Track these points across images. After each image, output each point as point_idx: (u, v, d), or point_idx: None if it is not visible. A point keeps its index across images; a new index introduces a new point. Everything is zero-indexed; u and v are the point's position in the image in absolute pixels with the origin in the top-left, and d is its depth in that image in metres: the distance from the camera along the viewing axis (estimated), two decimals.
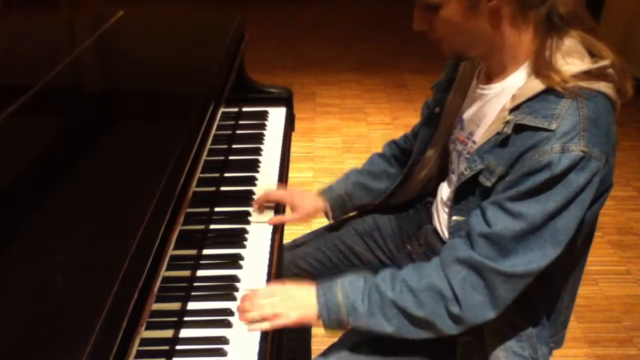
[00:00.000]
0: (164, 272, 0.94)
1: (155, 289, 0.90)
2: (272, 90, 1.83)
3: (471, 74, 1.24)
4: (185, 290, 1.11)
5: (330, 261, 1.46)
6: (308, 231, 1.55)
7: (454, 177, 1.25)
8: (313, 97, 3.86)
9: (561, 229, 1.01)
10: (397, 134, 1.53)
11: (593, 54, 1.04)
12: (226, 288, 1.13)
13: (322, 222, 1.50)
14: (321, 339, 1.62)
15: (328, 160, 3.11)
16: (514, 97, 1.05)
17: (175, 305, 1.06)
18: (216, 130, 1.35)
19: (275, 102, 1.81)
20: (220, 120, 1.40)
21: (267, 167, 1.53)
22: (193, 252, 1.20)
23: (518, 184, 1.01)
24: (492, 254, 1.03)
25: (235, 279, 1.15)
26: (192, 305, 1.09)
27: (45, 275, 0.83)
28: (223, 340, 1.02)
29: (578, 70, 1.00)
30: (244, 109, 1.78)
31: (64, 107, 1.33)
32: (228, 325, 1.05)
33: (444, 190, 1.30)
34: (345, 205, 1.45)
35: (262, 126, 1.70)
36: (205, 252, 1.22)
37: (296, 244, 1.50)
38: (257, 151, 1.58)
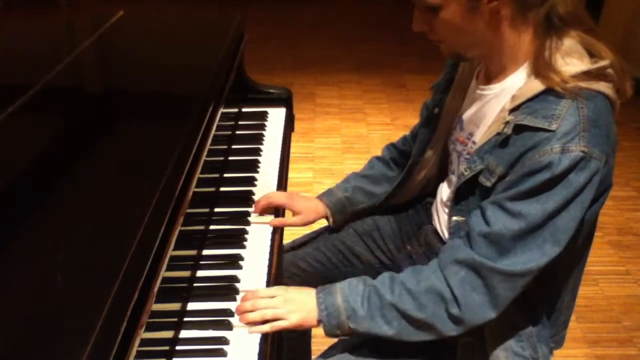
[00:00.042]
0: (164, 273, 0.94)
1: (155, 289, 0.90)
2: (271, 90, 1.83)
3: (470, 75, 1.24)
4: (185, 290, 1.11)
5: (330, 262, 1.46)
6: (308, 232, 1.55)
7: (453, 178, 1.25)
8: (313, 97, 3.86)
9: (561, 229, 1.01)
10: (397, 134, 1.53)
11: (592, 54, 1.04)
12: (226, 288, 1.13)
13: (322, 222, 1.50)
14: (321, 340, 1.61)
15: (328, 161, 3.11)
16: (513, 97, 1.05)
17: (175, 306, 1.06)
18: (216, 130, 1.35)
19: (274, 102, 1.81)
20: (220, 121, 1.40)
21: (267, 167, 1.53)
22: (193, 252, 1.20)
23: (518, 184, 1.01)
24: (492, 254, 1.03)
25: (235, 279, 1.15)
26: (192, 306, 1.09)
27: (45, 275, 0.83)
28: (223, 341, 1.02)
29: (578, 71, 1.01)
30: (244, 110, 1.78)
31: (64, 107, 1.33)
32: (228, 325, 1.05)
33: (444, 191, 1.30)
34: (346, 209, 1.45)
35: (262, 127, 1.70)
36: (205, 252, 1.22)
37: (296, 245, 1.50)
38: (257, 152, 1.58)
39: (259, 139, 1.64)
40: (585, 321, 2.17)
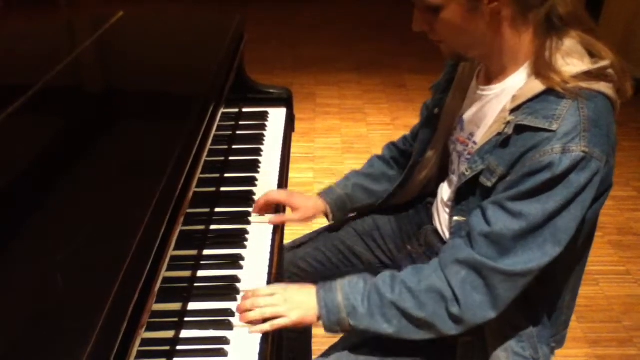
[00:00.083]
0: (164, 273, 0.94)
1: (156, 289, 0.90)
2: (272, 90, 1.83)
3: (471, 75, 1.24)
4: (185, 290, 1.11)
5: (330, 262, 1.46)
6: (308, 231, 1.55)
7: (454, 178, 1.25)
8: (313, 97, 3.86)
9: (562, 229, 1.01)
10: (397, 134, 1.53)
11: (593, 55, 1.04)
12: (227, 288, 1.13)
13: (322, 222, 1.50)
14: (321, 340, 1.62)
15: (328, 161, 3.10)
16: (514, 97, 1.05)
17: (175, 306, 1.06)
18: (216, 130, 1.35)
19: (275, 102, 1.81)
20: (220, 121, 1.40)
21: (267, 167, 1.53)
22: (193, 252, 1.20)
23: (519, 184, 1.01)
24: (492, 253, 1.03)
25: (235, 279, 1.15)
26: (192, 306, 1.09)
27: (45, 275, 0.83)
28: (224, 341, 1.02)
29: (578, 71, 1.01)
30: (244, 110, 1.78)
31: (64, 107, 1.33)
32: (229, 325, 1.05)
33: (445, 191, 1.30)
34: (346, 206, 1.45)
35: (262, 127, 1.70)
36: (206, 252, 1.22)
37: (296, 245, 1.50)
38: (257, 152, 1.58)
39: (259, 139, 1.64)
40: (586, 321, 2.17)
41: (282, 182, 1.49)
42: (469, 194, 1.13)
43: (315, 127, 3.49)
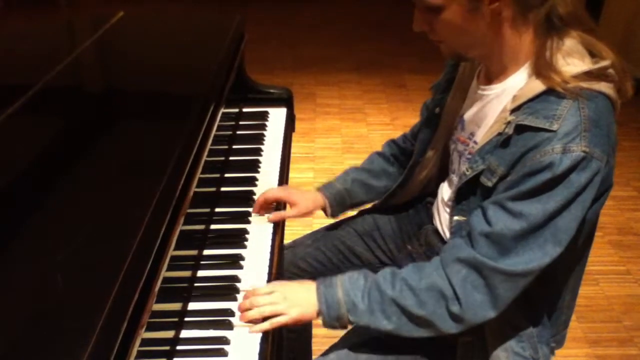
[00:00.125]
0: (164, 273, 0.94)
1: (156, 289, 0.90)
2: (272, 90, 1.83)
3: (471, 75, 1.24)
4: (186, 290, 1.11)
5: (330, 262, 1.46)
6: (308, 231, 1.55)
7: (454, 178, 1.25)
8: (313, 97, 3.86)
9: (562, 229, 1.01)
10: (397, 134, 1.54)
11: (593, 54, 1.04)
12: (227, 288, 1.13)
13: (322, 222, 1.50)
14: (321, 340, 1.62)
15: (328, 161, 3.10)
16: (514, 97, 1.05)
17: (176, 306, 1.06)
18: (216, 130, 1.35)
19: (275, 102, 1.81)
20: (220, 121, 1.40)
21: (268, 167, 1.53)
22: (194, 252, 1.20)
23: (519, 184, 1.01)
24: (493, 253, 1.03)
25: (235, 279, 1.15)
26: (192, 306, 1.09)
27: (45, 275, 0.83)
28: (224, 341, 1.02)
29: (579, 71, 1.01)
30: (245, 110, 1.78)
31: (64, 107, 1.33)
32: (229, 325, 1.05)
33: (445, 191, 1.30)
34: (345, 201, 1.45)
35: (263, 127, 1.70)
36: (206, 252, 1.22)
37: (296, 245, 1.50)
38: (258, 152, 1.58)
39: (259, 139, 1.64)
40: (586, 321, 2.17)
41: (282, 182, 1.49)
42: (470, 193, 1.13)
43: (315, 127, 3.49)
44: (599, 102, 1.00)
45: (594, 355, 2.04)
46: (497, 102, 1.12)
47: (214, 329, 1.04)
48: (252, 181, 1.45)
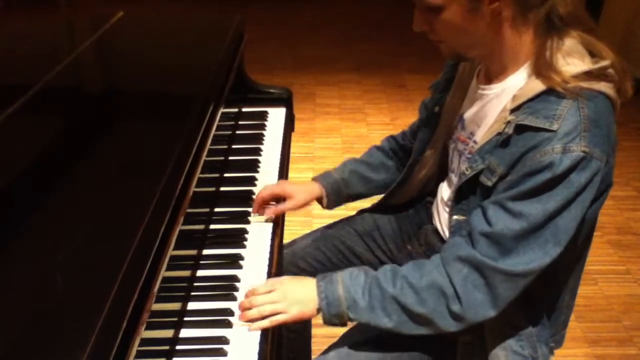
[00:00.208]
0: (164, 272, 0.94)
1: (155, 289, 0.90)
2: (271, 90, 1.83)
3: (471, 74, 1.24)
4: (185, 290, 1.11)
5: (330, 261, 1.46)
6: (308, 231, 1.55)
7: (454, 177, 1.25)
8: (313, 97, 3.86)
9: (562, 228, 1.01)
10: None
11: (593, 54, 1.04)
12: (226, 288, 1.13)
13: (322, 222, 1.50)
14: (321, 339, 1.62)
15: (328, 161, 3.10)
16: (514, 97, 1.05)
17: (175, 306, 1.06)
18: (216, 130, 1.35)
19: (275, 102, 1.81)
20: (220, 121, 1.40)
21: (267, 167, 1.53)
22: (193, 252, 1.20)
23: (519, 183, 1.01)
24: (493, 253, 1.03)
25: (235, 279, 1.15)
26: (192, 306, 1.09)
27: (45, 275, 0.83)
28: (223, 340, 1.02)
29: (579, 71, 1.01)
30: (244, 110, 1.78)
31: (64, 107, 1.33)
32: (228, 325, 1.05)
33: (444, 190, 1.30)
34: (341, 192, 1.45)
35: (262, 126, 1.70)
36: (205, 252, 1.22)
37: (296, 244, 1.50)
38: (257, 151, 1.58)
39: (259, 138, 1.64)
40: (585, 321, 2.17)
41: None
42: (469, 193, 1.13)
43: (315, 127, 3.49)
44: (598, 102, 1.00)
45: (593, 355, 2.04)
46: (497, 101, 1.12)
47: (214, 328, 1.04)
48: (251, 181, 1.45)
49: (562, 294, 1.20)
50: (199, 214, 1.27)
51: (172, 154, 1.08)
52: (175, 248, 1.01)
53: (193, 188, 1.13)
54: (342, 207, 1.50)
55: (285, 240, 1.52)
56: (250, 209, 1.35)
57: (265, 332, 1.06)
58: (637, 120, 3.51)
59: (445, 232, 1.27)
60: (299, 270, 1.45)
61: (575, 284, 1.21)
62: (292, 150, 1.72)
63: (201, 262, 1.19)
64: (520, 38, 1.05)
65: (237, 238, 1.26)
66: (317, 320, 1.13)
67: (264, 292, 1.10)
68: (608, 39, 1.07)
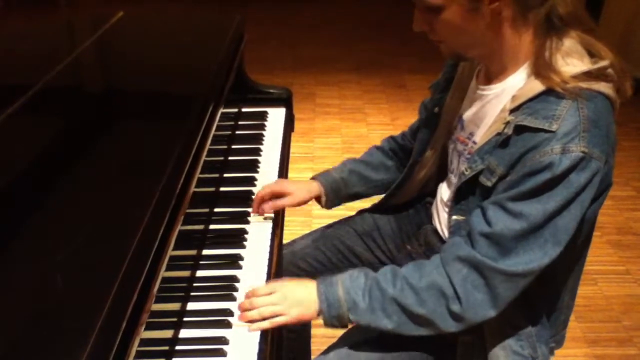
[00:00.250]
0: (163, 273, 0.94)
1: (155, 289, 0.90)
2: (271, 90, 1.83)
3: (470, 74, 1.24)
4: (185, 290, 1.11)
5: (330, 261, 1.46)
6: (308, 231, 1.55)
7: (453, 177, 1.25)
8: (313, 97, 3.86)
9: (562, 229, 1.01)
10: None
11: (592, 54, 1.04)
12: (226, 288, 1.13)
13: (321, 222, 1.50)
14: (321, 339, 1.62)
15: (328, 161, 3.10)
16: (514, 97, 1.05)
17: (175, 306, 1.06)
18: (216, 130, 1.35)
19: (274, 102, 1.81)
20: (219, 121, 1.40)
21: (267, 167, 1.53)
22: (193, 252, 1.20)
23: (519, 184, 1.01)
24: (493, 254, 1.03)
25: (235, 279, 1.15)
26: (191, 306, 1.09)
27: (45, 275, 0.83)
28: (223, 341, 1.02)
29: (578, 71, 1.01)
30: (244, 110, 1.78)
31: (64, 107, 1.33)
32: (228, 325, 1.05)
33: (444, 190, 1.30)
34: (340, 191, 1.45)
35: (262, 127, 1.70)
36: (205, 252, 1.22)
37: (295, 244, 1.50)
38: (257, 152, 1.58)
39: (258, 139, 1.64)
40: (585, 321, 2.17)
41: None
42: (469, 193, 1.13)
43: (315, 127, 3.49)
44: (598, 102, 1.00)
45: (593, 355, 2.04)
46: (496, 102, 1.12)
47: (213, 328, 1.04)
48: (251, 181, 1.45)
49: (562, 294, 1.20)
50: (198, 214, 1.27)
51: (172, 154, 1.08)
52: (175, 248, 1.01)
53: (193, 188, 1.13)
54: (342, 207, 1.51)
55: (285, 241, 1.52)
56: (249, 209, 1.35)
57: (264, 332, 1.06)
58: (637, 120, 3.51)
59: (444, 232, 1.27)
60: (298, 271, 1.45)
61: (575, 283, 1.21)
62: (291, 150, 1.72)
63: (201, 262, 1.19)
64: (520, 38, 1.05)
65: (237, 238, 1.26)
66: (317, 320, 1.13)
67: (265, 294, 1.10)
68: (608, 39, 1.07)
